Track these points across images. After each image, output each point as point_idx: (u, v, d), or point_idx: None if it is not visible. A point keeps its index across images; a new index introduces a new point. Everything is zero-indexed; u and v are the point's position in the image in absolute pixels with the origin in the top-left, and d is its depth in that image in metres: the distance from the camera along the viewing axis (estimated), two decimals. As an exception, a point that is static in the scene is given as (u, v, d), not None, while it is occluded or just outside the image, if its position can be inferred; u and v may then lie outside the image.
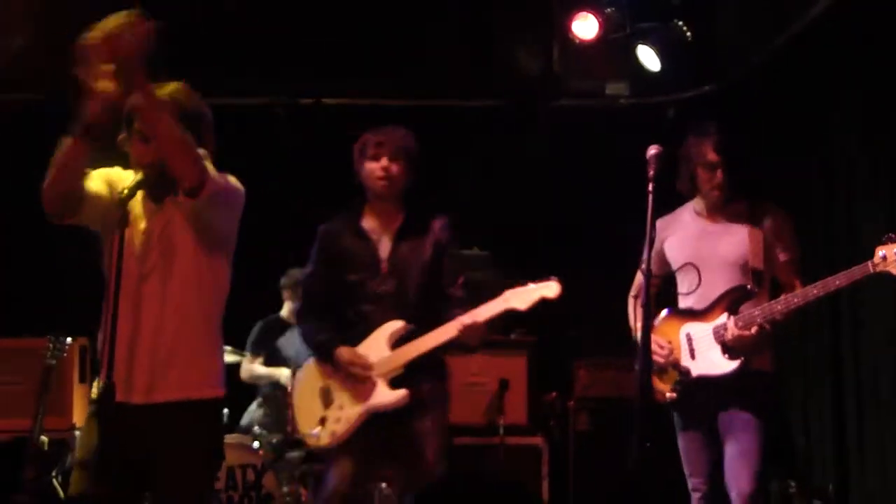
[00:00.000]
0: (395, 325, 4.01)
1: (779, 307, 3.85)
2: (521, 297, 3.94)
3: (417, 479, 4.03)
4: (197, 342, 3.25)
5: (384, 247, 4.12)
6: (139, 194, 3.23)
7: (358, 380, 3.99)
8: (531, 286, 3.94)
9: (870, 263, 3.68)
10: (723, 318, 3.95)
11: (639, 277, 4.26)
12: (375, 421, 4.00)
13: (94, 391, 3.22)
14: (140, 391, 3.15)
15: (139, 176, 3.19)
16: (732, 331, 3.89)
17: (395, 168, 4.11)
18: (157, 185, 3.25)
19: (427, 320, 4.00)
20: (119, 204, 3.09)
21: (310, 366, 4.22)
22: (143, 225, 3.27)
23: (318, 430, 4.03)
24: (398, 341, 4.01)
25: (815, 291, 3.79)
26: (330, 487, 4.00)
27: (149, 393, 3.16)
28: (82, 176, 3.20)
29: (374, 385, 3.98)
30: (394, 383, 3.99)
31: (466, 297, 4.07)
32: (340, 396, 4.05)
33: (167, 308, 3.20)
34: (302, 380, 4.27)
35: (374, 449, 4.04)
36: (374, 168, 4.12)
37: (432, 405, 4.05)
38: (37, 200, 4.46)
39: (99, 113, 3.03)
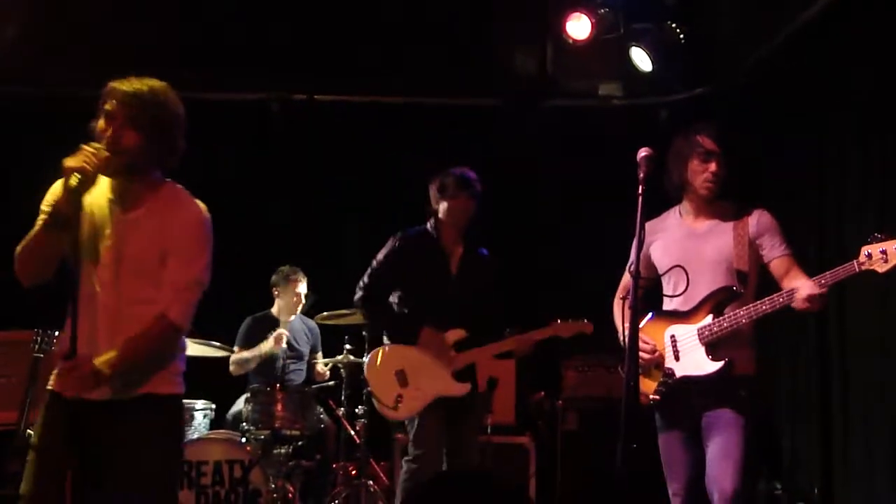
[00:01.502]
0: (459, 334, 5.03)
1: (764, 307, 3.85)
2: (566, 329, 5.06)
3: (464, 447, 5.06)
4: None
5: (454, 264, 5.15)
6: (107, 199, 3.35)
7: (432, 367, 5.00)
8: (572, 322, 5.06)
9: (855, 263, 3.67)
10: (707, 319, 3.94)
11: (625, 279, 4.26)
12: (442, 402, 4.99)
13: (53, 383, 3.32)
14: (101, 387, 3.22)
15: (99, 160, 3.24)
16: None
17: (471, 206, 5.12)
18: (124, 189, 3.38)
19: (480, 327, 5.04)
20: (70, 192, 3.17)
21: (386, 350, 5.11)
22: (108, 230, 3.34)
23: (394, 404, 5.00)
24: (460, 345, 5.02)
25: (816, 290, 3.78)
26: (423, 446, 4.94)
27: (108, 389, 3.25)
28: (55, 260, 3.33)
29: (444, 376, 5.01)
30: (457, 377, 5.03)
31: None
32: (416, 380, 5.01)
33: (126, 308, 3.31)
34: (379, 361, 5.12)
35: (442, 421, 5.01)
36: (456, 208, 5.10)
37: (481, 396, 5.24)
38: (23, 192, 4.49)
39: (66, 205, 3.19)
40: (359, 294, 5.16)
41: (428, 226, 5.19)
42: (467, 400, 5.06)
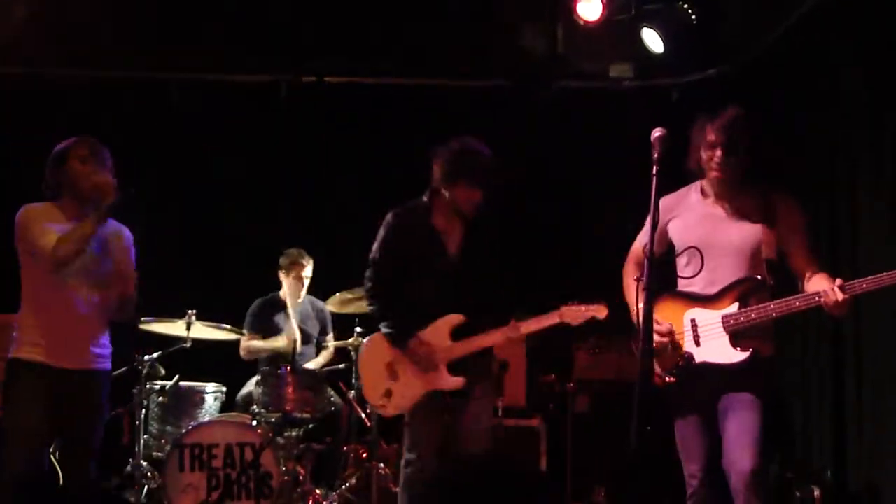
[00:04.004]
0: (456, 319, 4.62)
1: (798, 304, 3.83)
2: (574, 315, 4.55)
3: (471, 445, 4.62)
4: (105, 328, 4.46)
5: (452, 245, 4.70)
6: None
7: (422, 365, 4.63)
8: (583, 307, 4.54)
9: None
10: (733, 307, 3.91)
11: (633, 251, 4.26)
12: (438, 396, 4.65)
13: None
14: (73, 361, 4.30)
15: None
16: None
17: (484, 196, 4.63)
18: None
19: (482, 314, 4.60)
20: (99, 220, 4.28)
21: (378, 340, 4.79)
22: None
23: (382, 401, 4.70)
24: (458, 333, 4.62)
25: (840, 296, 3.75)
26: (419, 447, 4.62)
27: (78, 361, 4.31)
28: None
29: (436, 368, 4.63)
30: (451, 368, 4.62)
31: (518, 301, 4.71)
32: (405, 374, 4.68)
33: (90, 304, 4.36)
34: (368, 353, 4.86)
35: (439, 417, 4.67)
36: (471, 196, 4.61)
37: (488, 383, 4.79)
38: (30, 174, 4.52)
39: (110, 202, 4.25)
40: (366, 286, 4.82)
41: (424, 199, 4.75)
42: (465, 392, 4.64)
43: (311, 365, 6.61)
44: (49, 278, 4.26)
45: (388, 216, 4.78)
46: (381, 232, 4.78)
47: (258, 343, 6.55)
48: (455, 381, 4.61)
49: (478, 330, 4.61)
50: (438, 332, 4.64)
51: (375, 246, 4.79)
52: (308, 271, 6.67)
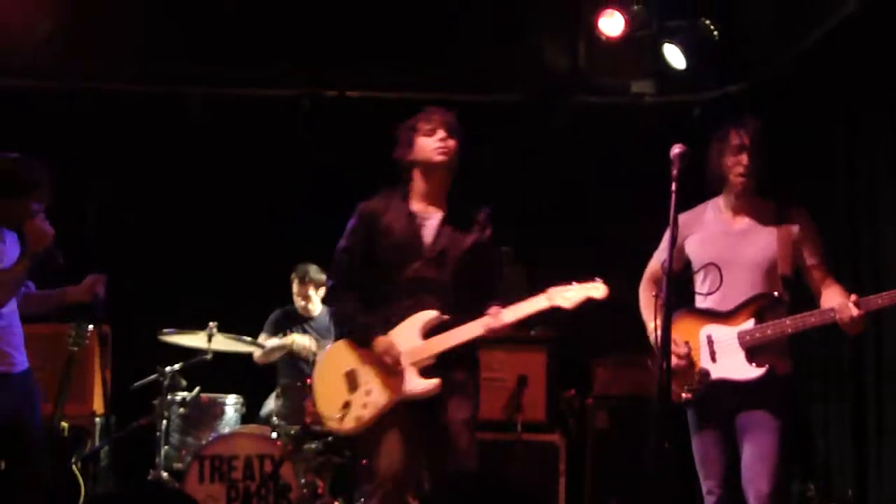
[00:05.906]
0: (429, 315, 4.01)
1: (813, 319, 3.84)
2: (567, 296, 3.92)
3: (449, 467, 3.99)
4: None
5: (428, 232, 4.10)
6: None
7: (388, 368, 4.01)
8: (576, 285, 3.93)
9: None
10: (749, 323, 3.92)
11: (651, 268, 4.26)
12: (408, 408, 4.00)
13: None
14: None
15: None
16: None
17: (451, 143, 4.13)
18: None
19: (462, 310, 4.01)
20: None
21: (338, 346, 4.19)
22: None
23: (340, 413, 4.02)
24: (431, 331, 4.01)
25: (854, 312, 3.76)
26: (382, 471, 3.96)
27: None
28: None
29: (404, 373, 4.00)
30: (424, 372, 4.00)
31: (502, 289, 4.15)
32: (368, 381, 4.05)
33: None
34: (326, 360, 4.25)
35: (410, 434, 4.02)
36: (432, 142, 4.14)
37: (466, 394, 4.07)
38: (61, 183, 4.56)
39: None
40: (327, 287, 4.34)
41: (400, 186, 4.22)
42: (443, 397, 3.99)
43: None
44: None
45: (355, 212, 4.23)
46: (350, 222, 4.22)
47: (272, 341, 6.47)
48: (427, 385, 3.96)
49: (454, 325, 4.01)
50: (409, 331, 4.02)
51: (343, 239, 4.22)
52: (311, 291, 6.61)
